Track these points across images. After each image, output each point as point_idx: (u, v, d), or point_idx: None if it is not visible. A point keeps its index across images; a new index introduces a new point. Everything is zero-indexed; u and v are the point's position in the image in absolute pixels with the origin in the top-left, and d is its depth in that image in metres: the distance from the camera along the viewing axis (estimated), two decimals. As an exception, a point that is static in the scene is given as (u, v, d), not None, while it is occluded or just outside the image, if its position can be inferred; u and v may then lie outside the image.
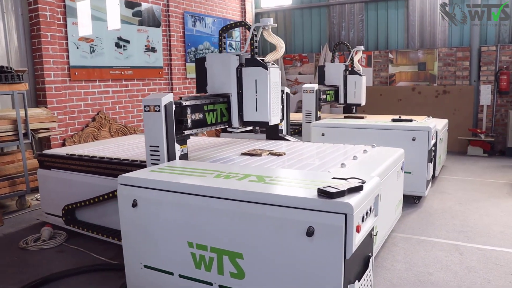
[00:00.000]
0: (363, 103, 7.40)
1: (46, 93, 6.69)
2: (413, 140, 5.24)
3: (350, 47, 7.44)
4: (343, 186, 2.28)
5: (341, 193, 2.22)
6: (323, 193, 2.24)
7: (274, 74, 4.01)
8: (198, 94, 4.55)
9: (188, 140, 3.79)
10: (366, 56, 9.80)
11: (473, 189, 6.04)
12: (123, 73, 7.90)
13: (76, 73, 7.12)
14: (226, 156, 4.14)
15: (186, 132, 3.77)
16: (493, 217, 4.87)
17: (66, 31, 6.94)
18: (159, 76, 8.67)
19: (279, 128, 5.21)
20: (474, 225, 4.61)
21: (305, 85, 6.52)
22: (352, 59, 7.34)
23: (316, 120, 6.40)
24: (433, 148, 5.79)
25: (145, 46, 8.35)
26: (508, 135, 8.56)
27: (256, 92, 3.98)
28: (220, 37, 4.33)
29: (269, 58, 4.05)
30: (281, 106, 5.06)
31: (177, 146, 3.68)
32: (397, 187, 4.21)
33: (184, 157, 3.76)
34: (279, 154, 4.09)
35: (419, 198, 5.43)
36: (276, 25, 4.26)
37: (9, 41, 6.50)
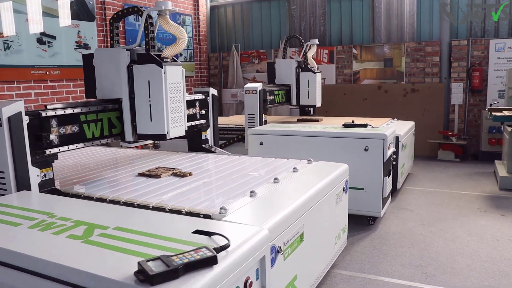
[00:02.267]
0: (318, 104, 6.53)
1: None
2: (366, 150, 4.38)
3: (303, 41, 6.56)
4: (183, 258, 1.37)
5: (171, 274, 1.30)
6: (141, 274, 1.32)
7: (174, 73, 3.12)
8: (87, 100, 3.62)
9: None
10: (328, 51, 8.92)
11: (440, 204, 5.22)
12: (48, 73, 6.89)
13: (-14, 74, 6.11)
14: (117, 178, 3.23)
15: (50, 151, 2.85)
16: (459, 243, 4.04)
17: (-30, 25, 5.92)
18: (94, 76, 7.66)
19: (204, 137, 4.32)
20: (436, 256, 3.76)
21: (247, 85, 5.61)
22: (305, 55, 6.46)
23: (260, 125, 5.51)
24: (392, 157, 4.95)
25: (76, 42, 7.33)
26: (481, 138, 7.77)
27: (149, 97, 3.08)
28: (112, 28, 3.43)
29: (168, 52, 3.14)
30: (203, 112, 4.20)
31: (35, 171, 2.75)
32: (337, 215, 3.35)
33: (47, 183, 2.83)
34: (183, 175, 3.19)
35: (374, 219, 4.57)
36: (177, 9, 3.36)
37: None
